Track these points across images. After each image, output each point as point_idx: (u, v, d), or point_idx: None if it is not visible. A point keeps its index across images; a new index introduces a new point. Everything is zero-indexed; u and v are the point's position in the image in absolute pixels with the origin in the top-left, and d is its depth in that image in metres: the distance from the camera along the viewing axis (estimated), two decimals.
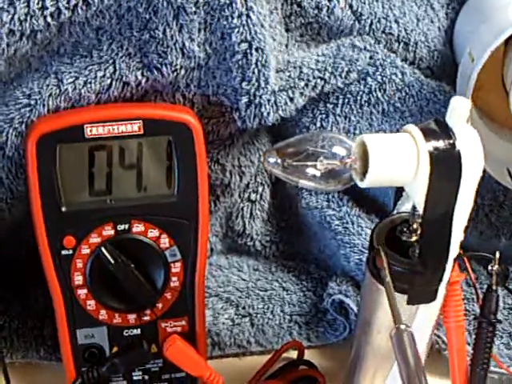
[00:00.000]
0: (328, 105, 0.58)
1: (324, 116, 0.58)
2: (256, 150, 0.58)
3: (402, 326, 0.41)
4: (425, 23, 0.61)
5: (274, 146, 0.44)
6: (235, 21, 0.50)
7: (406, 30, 0.59)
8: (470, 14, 0.63)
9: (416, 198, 0.44)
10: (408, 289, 0.45)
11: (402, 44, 0.60)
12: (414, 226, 0.46)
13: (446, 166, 0.42)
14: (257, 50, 0.51)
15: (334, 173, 0.44)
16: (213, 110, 0.54)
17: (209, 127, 0.54)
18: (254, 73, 0.51)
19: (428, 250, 0.45)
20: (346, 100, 0.58)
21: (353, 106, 0.58)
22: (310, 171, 0.44)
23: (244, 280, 0.61)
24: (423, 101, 0.58)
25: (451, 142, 0.42)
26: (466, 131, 0.43)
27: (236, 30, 0.50)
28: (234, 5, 0.50)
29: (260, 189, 0.62)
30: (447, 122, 0.43)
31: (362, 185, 0.44)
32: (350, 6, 0.57)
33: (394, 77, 0.57)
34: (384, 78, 0.57)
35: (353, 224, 0.59)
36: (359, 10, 0.57)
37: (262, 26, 0.51)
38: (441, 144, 0.42)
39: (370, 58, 0.57)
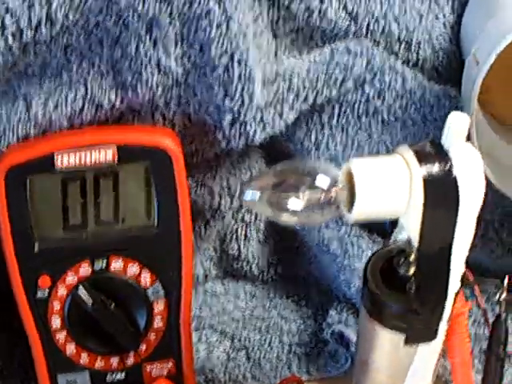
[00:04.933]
0: (323, 116, 0.53)
1: (319, 128, 0.53)
2: (247, 167, 0.54)
3: None
4: (429, 20, 0.56)
5: (252, 177, 0.40)
6: (214, 32, 0.45)
7: (407, 28, 0.54)
8: (478, 7, 0.58)
9: (410, 229, 0.40)
10: (405, 328, 0.41)
11: (403, 44, 0.54)
12: (411, 258, 0.41)
13: (441, 194, 0.38)
14: (239, 62, 0.46)
15: (319, 205, 0.39)
16: (195, 129, 0.49)
17: (192, 148, 0.50)
18: (237, 88, 0.46)
19: (425, 286, 0.40)
20: (343, 110, 0.52)
21: (350, 117, 0.53)
22: (293, 204, 0.39)
23: (240, 308, 0.57)
24: (426, 108, 0.53)
25: (447, 166, 0.37)
26: (465, 152, 0.38)
27: (215, 41, 0.45)
28: (211, 14, 0.45)
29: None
30: (443, 144, 0.39)
31: (350, 217, 0.39)
32: (345, 7, 0.52)
33: (393, 83, 0.52)
34: (383, 85, 0.52)
35: (353, 246, 0.54)
36: (355, 10, 0.52)
37: (245, 35, 0.46)
38: (436, 169, 0.38)
39: (367, 63, 0.52)
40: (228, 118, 0.47)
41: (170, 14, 0.45)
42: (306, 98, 0.50)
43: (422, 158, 0.38)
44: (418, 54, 0.55)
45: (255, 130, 0.48)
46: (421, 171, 0.37)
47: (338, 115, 0.53)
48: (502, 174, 0.54)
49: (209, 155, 0.50)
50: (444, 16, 0.57)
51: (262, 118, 0.48)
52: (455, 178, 0.37)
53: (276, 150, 0.54)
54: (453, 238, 0.38)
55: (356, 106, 0.53)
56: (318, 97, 0.51)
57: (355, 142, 0.54)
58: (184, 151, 0.48)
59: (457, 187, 0.37)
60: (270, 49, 0.50)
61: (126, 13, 0.45)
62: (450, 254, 0.38)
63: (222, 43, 0.45)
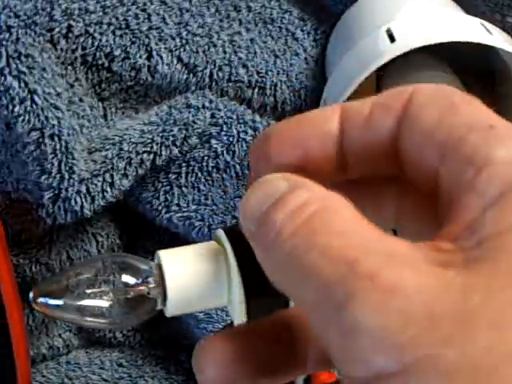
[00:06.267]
0: (170, 175, 0.49)
1: (168, 188, 0.49)
2: (91, 236, 0.50)
3: None
4: (286, 58, 0.52)
5: (45, 279, 0.36)
6: (17, 108, 0.41)
7: (258, 72, 0.50)
8: (338, 39, 0.54)
9: (237, 316, 0.36)
10: None
11: (256, 89, 0.50)
12: None
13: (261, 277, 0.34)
14: (51, 137, 0.42)
15: (130, 304, 0.36)
16: (18, 207, 0.45)
17: (18, 227, 0.46)
18: (53, 164, 0.43)
19: None
20: (191, 168, 0.48)
21: (199, 174, 0.49)
22: (97, 305, 0.35)
23: (105, 381, 0.54)
24: None
25: None
26: None
27: (21, 118, 0.42)
28: (11, 91, 0.41)
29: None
30: None
31: (166, 314, 0.36)
32: (179, 59, 0.48)
33: (243, 135, 0.48)
34: (231, 139, 0.48)
35: (216, 309, 0.51)
36: (192, 61, 0.48)
37: (56, 107, 0.42)
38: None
39: (212, 116, 0.48)
40: (48, 195, 0.44)
41: None
42: (141, 163, 0.46)
43: (236, 240, 0.35)
44: (275, 97, 0.51)
45: (82, 205, 0.44)
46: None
47: (187, 173, 0.49)
48: None
49: (37, 233, 0.47)
50: (305, 51, 0.53)
51: (88, 190, 0.44)
52: None
53: (125, 213, 0.51)
54: None
55: (205, 162, 0.49)
56: (156, 159, 0.47)
57: (209, 199, 0.50)
58: (8, 232, 0.44)
59: None
60: (95, 113, 0.46)
61: None
62: None
63: (29, 119, 0.42)
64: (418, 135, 0.22)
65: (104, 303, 0.35)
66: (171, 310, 0.35)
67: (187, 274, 0.34)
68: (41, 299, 0.34)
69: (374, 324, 0.18)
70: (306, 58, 0.53)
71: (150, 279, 0.35)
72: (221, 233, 0.35)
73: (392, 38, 0.45)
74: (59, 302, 0.35)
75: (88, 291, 0.35)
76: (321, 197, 0.22)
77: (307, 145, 0.24)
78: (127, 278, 0.35)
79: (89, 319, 0.35)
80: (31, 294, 0.35)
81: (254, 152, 0.26)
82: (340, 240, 0.20)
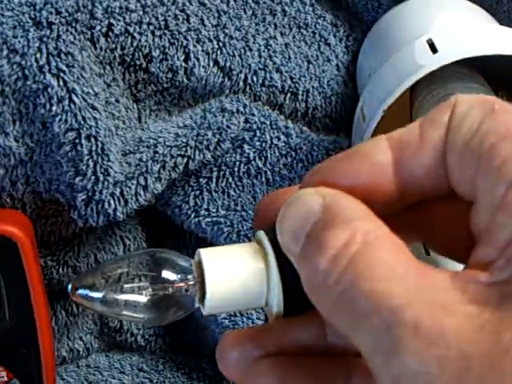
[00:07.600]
0: (201, 179, 0.48)
1: (198, 193, 0.48)
2: (119, 239, 0.49)
3: None
4: (318, 64, 0.51)
5: (86, 272, 0.35)
6: (55, 108, 0.41)
7: (291, 78, 0.50)
8: (372, 47, 0.53)
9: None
10: None
11: (288, 95, 0.50)
12: None
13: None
14: (88, 138, 0.42)
15: (168, 300, 0.35)
16: (48, 208, 0.44)
17: (47, 228, 0.45)
18: (88, 165, 0.42)
19: None
20: (222, 173, 0.48)
21: (230, 180, 0.48)
22: (136, 299, 0.35)
23: None
24: (315, 163, 0.49)
25: None
26: None
27: (58, 118, 0.41)
28: (50, 89, 0.40)
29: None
30: None
31: (204, 312, 0.35)
32: (216, 62, 0.47)
33: (275, 141, 0.48)
34: (264, 144, 0.48)
35: (242, 316, 0.50)
36: (228, 64, 0.47)
37: (93, 107, 0.41)
38: None
39: (245, 121, 0.47)
40: (81, 197, 0.43)
41: (2, 91, 0.40)
42: (174, 167, 0.45)
43: (276, 242, 0.34)
44: (306, 103, 0.51)
45: (115, 208, 0.43)
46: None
47: (217, 178, 0.48)
48: None
49: (67, 234, 0.46)
50: (336, 57, 0.52)
51: (121, 193, 0.43)
52: None
53: (153, 216, 0.50)
54: None
55: (236, 168, 0.48)
56: (189, 163, 0.46)
57: (238, 205, 0.49)
58: (37, 233, 0.44)
59: None
60: (130, 115, 0.45)
61: None
62: None
63: (66, 119, 0.41)
64: (458, 143, 0.22)
65: (142, 298, 0.34)
66: (209, 308, 0.34)
67: (227, 273, 0.34)
68: (80, 291, 0.34)
69: (418, 370, 0.20)
70: (337, 65, 0.52)
71: (190, 276, 0.34)
72: (261, 234, 0.34)
73: (433, 49, 0.44)
74: (98, 295, 0.34)
75: (127, 285, 0.34)
76: (362, 232, 0.22)
77: (357, 177, 0.24)
78: (167, 274, 0.34)
79: (125, 313, 0.35)
80: (70, 286, 0.34)
81: (302, 187, 0.25)
82: (383, 285, 0.21)
